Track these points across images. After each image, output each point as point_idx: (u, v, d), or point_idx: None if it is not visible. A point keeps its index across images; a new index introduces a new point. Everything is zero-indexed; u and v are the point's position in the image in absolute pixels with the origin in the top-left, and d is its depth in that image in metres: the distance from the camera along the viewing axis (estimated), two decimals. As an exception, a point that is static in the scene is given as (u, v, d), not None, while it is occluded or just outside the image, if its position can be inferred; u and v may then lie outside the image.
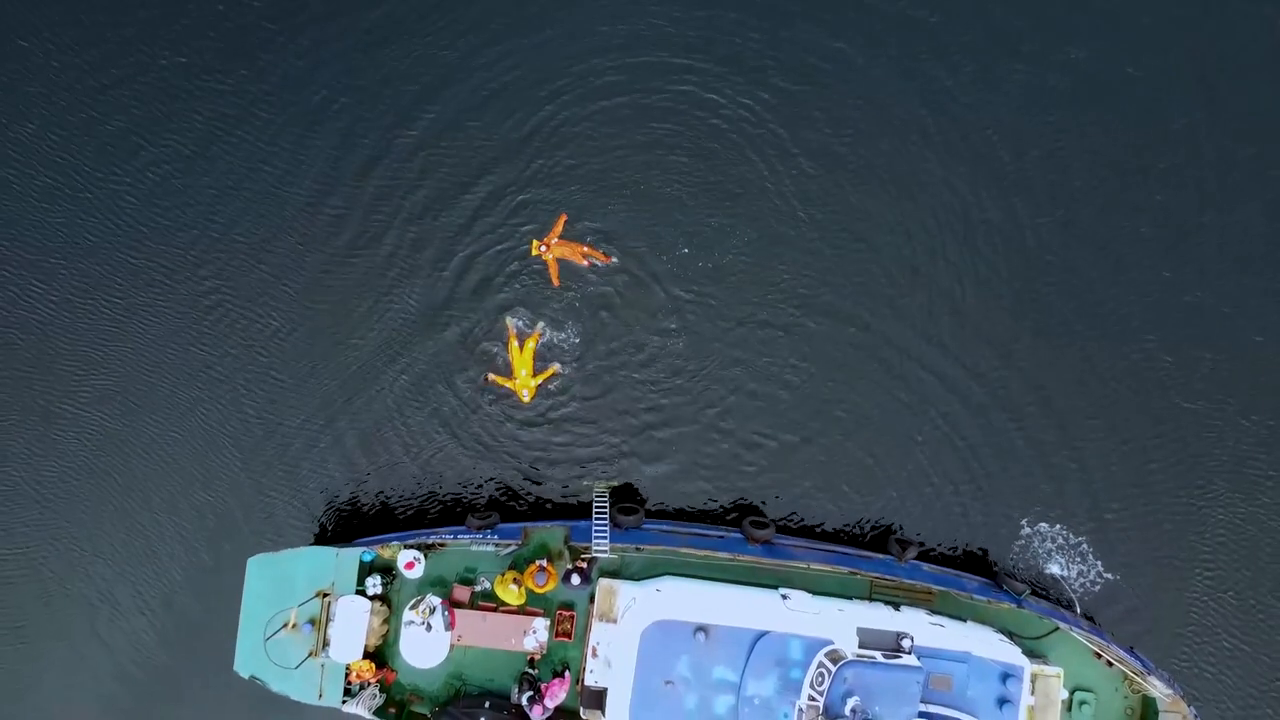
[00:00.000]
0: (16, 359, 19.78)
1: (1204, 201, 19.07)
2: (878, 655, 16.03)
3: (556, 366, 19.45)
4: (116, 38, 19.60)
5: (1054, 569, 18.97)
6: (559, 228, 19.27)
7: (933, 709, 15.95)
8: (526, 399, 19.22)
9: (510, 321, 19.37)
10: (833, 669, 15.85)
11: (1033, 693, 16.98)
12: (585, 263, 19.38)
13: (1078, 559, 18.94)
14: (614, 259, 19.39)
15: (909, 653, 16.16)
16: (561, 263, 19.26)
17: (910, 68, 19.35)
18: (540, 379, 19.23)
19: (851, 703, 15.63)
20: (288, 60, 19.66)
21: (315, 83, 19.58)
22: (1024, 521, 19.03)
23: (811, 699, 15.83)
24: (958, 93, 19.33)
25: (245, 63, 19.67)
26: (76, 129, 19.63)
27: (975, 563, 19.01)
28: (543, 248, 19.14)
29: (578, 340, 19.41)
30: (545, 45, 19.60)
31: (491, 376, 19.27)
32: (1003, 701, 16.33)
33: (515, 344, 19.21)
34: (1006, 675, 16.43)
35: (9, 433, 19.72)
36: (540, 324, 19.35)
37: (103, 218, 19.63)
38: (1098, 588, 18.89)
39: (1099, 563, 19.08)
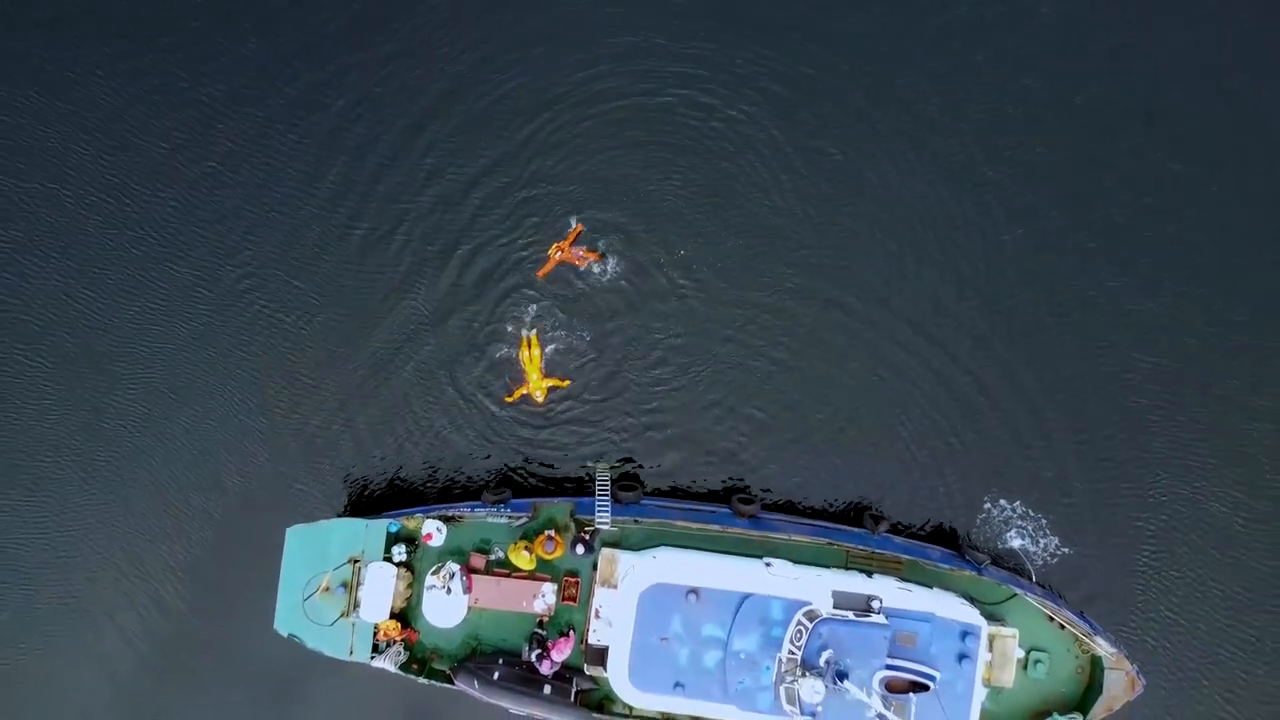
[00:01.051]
0: (67, 356, 21.67)
1: (1144, 216, 21.08)
2: (850, 614, 17.95)
3: (567, 381, 21.28)
4: (161, 69, 21.59)
5: (1014, 542, 20.89)
6: (573, 236, 21.17)
7: (899, 663, 17.88)
8: (540, 400, 21.11)
9: (524, 332, 21.25)
10: (809, 626, 17.80)
11: (990, 650, 18.94)
12: (581, 264, 21.22)
13: (1036, 534, 20.85)
14: (609, 260, 21.26)
15: (878, 613, 18.06)
16: (562, 264, 21.14)
17: (895, 74, 21.32)
18: (550, 382, 21.10)
19: (825, 655, 17.60)
20: (309, 82, 21.60)
21: (335, 97, 21.55)
22: (987, 499, 20.96)
23: (791, 652, 17.76)
24: (938, 103, 21.28)
25: (273, 87, 21.60)
26: (124, 152, 21.59)
27: (941, 535, 20.93)
28: (558, 253, 21.06)
29: (585, 336, 21.28)
30: (547, 56, 21.54)
31: (514, 391, 21.13)
32: (962, 657, 18.26)
33: (526, 350, 21.10)
34: (966, 634, 18.36)
35: (63, 423, 21.60)
36: (542, 323, 21.20)
37: (145, 230, 21.45)
38: (1053, 560, 20.79)
39: (1055, 538, 20.97)
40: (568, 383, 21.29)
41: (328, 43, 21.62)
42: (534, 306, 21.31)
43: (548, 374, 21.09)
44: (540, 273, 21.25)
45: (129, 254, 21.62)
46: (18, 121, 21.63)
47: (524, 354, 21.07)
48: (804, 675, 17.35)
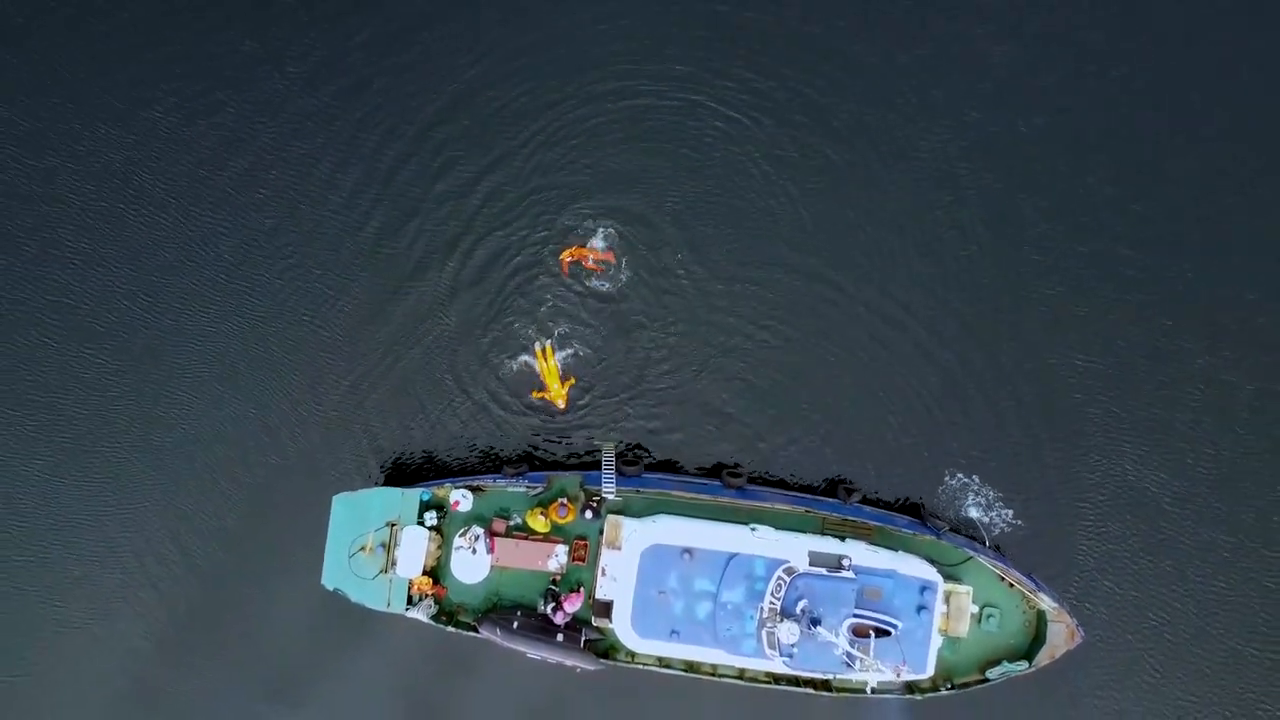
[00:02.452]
0: (132, 354, 24.50)
1: (1080, 231, 23.95)
2: (823, 571, 20.72)
3: (573, 379, 23.95)
4: (214, 98, 24.67)
5: (971, 513, 23.61)
6: (584, 251, 23.90)
7: (864, 613, 20.62)
8: (562, 406, 23.83)
9: (536, 345, 23.92)
10: (788, 581, 20.55)
11: (946, 604, 21.68)
12: (597, 266, 23.97)
13: (990, 506, 23.58)
14: (615, 262, 24.01)
15: (847, 570, 20.81)
16: (573, 265, 23.92)
17: (880, 80, 24.12)
18: (568, 385, 23.80)
19: (801, 605, 20.37)
20: (337, 88, 24.67)
21: (361, 100, 24.62)
22: (948, 475, 23.70)
23: (771, 603, 20.51)
24: (922, 108, 24.17)
25: (309, 98, 24.56)
26: (183, 176, 24.61)
27: (907, 506, 23.68)
28: (570, 259, 23.83)
29: (591, 335, 23.98)
30: (554, 62, 24.45)
31: (535, 394, 23.86)
32: (921, 609, 20.98)
33: (542, 361, 23.81)
34: (925, 589, 21.09)
35: (129, 413, 24.41)
36: (557, 333, 23.90)
37: (200, 248, 24.55)
38: (1006, 528, 23.50)
39: (1009, 510, 23.69)
40: (573, 380, 23.98)
41: (354, 52, 24.57)
42: (545, 309, 23.97)
43: (564, 379, 23.79)
44: (565, 267, 23.97)
45: (185, 263, 24.55)
46: (90, 149, 24.53)
47: (541, 365, 23.78)
48: (782, 621, 20.12)
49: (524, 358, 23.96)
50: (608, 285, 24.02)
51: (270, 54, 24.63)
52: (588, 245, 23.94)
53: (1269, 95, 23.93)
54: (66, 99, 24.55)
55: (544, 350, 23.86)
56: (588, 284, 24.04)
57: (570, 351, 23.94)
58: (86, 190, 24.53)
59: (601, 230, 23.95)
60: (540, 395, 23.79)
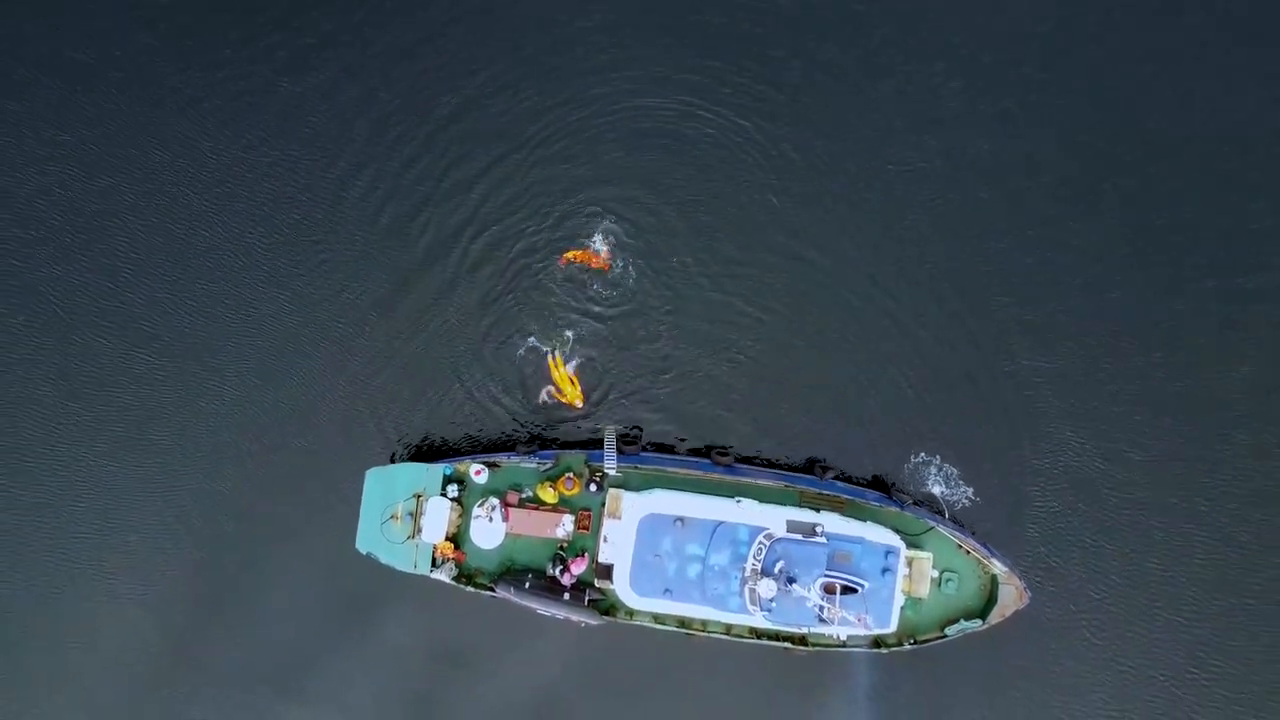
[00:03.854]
0: (184, 350, 27.41)
1: (1026, 243, 26.92)
2: (798, 537, 23.49)
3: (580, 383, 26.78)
4: (252, 118, 27.62)
5: (934, 489, 26.39)
6: (588, 254, 26.70)
7: (834, 573, 23.40)
8: (579, 405, 26.59)
9: (548, 356, 26.64)
10: (767, 545, 23.32)
11: (909, 568, 24.45)
12: (605, 265, 26.75)
13: (951, 483, 26.36)
14: (614, 264, 26.80)
15: (820, 536, 23.56)
16: (579, 266, 26.78)
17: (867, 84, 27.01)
18: (580, 387, 26.54)
19: (779, 565, 23.15)
20: (358, 104, 27.61)
21: (378, 111, 27.62)
22: (913, 454, 26.49)
23: (753, 564, 23.28)
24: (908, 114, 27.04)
25: (338, 118, 27.51)
26: (215, 186, 27.55)
27: (877, 482, 26.49)
28: (574, 259, 26.65)
29: (594, 335, 26.77)
30: (557, 71, 27.32)
31: (554, 395, 26.62)
32: (885, 571, 23.72)
33: (555, 370, 26.53)
34: (889, 553, 23.83)
35: (180, 405, 27.30)
36: (564, 340, 26.68)
37: (231, 244, 27.49)
38: (965, 503, 26.28)
39: (969, 488, 26.46)
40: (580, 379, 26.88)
41: (374, 63, 27.50)
42: (552, 306, 26.76)
43: (575, 381, 26.55)
44: (578, 260, 26.78)
45: (225, 266, 27.47)
46: (142, 170, 27.50)
47: (554, 373, 26.49)
48: (762, 579, 22.92)
49: (532, 341, 26.71)
50: (608, 284, 26.78)
51: (290, 65, 27.55)
52: (590, 247, 26.70)
53: (1197, 122, 26.76)
54: (120, 124, 27.55)
55: (554, 359, 26.57)
56: (591, 284, 26.80)
57: (576, 349, 26.64)
58: (136, 206, 27.39)
59: (602, 234, 26.72)
60: (558, 397, 26.54)
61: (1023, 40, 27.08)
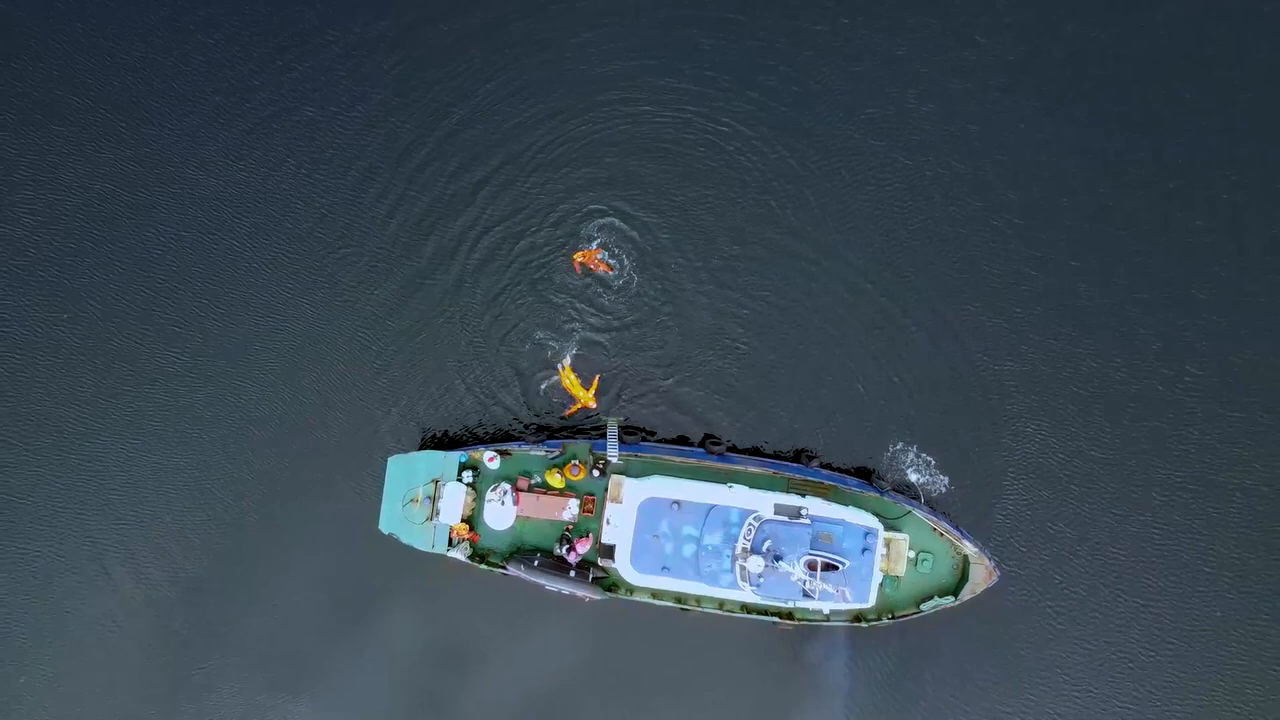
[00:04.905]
0: (232, 351, 29.69)
1: (997, 254, 29.19)
2: (785, 519, 25.64)
3: (596, 379, 28.90)
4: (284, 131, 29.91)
5: (911, 476, 28.55)
6: (594, 254, 28.84)
7: (818, 552, 25.54)
8: (594, 406, 28.70)
9: (558, 365, 28.79)
10: (756, 526, 25.47)
11: (886, 549, 26.59)
12: (606, 266, 28.90)
13: (927, 471, 28.52)
14: (615, 268, 28.94)
15: (805, 518, 25.72)
16: (584, 266, 28.94)
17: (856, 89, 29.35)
18: (593, 389, 28.65)
19: (766, 544, 25.31)
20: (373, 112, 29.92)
21: (397, 118, 29.94)
22: (892, 444, 28.65)
23: (743, 544, 25.44)
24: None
25: (357, 124, 29.78)
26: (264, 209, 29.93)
27: (859, 471, 28.65)
28: (581, 260, 28.80)
29: (600, 326, 28.96)
30: (559, 80, 29.58)
31: (571, 409, 28.76)
32: (865, 550, 25.86)
33: (566, 379, 28.61)
34: (868, 534, 25.98)
35: (212, 402, 29.56)
36: (572, 350, 28.86)
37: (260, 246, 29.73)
38: (940, 490, 28.45)
39: (945, 476, 28.62)
40: (596, 382, 28.95)
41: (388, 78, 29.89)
42: (561, 304, 28.96)
43: (586, 385, 28.67)
44: (577, 267, 28.88)
45: (254, 274, 29.88)
46: (183, 187, 29.85)
47: (565, 382, 28.60)
48: (751, 556, 25.09)
49: (540, 338, 28.88)
50: (611, 286, 28.94)
51: (308, 82, 29.93)
52: (594, 249, 28.83)
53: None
54: (159, 146, 30.00)
55: (564, 368, 28.68)
56: (595, 285, 28.96)
57: (582, 354, 28.73)
58: (171, 219, 29.76)
59: (607, 236, 28.88)
60: (575, 408, 28.66)
61: (987, 70, 29.31)
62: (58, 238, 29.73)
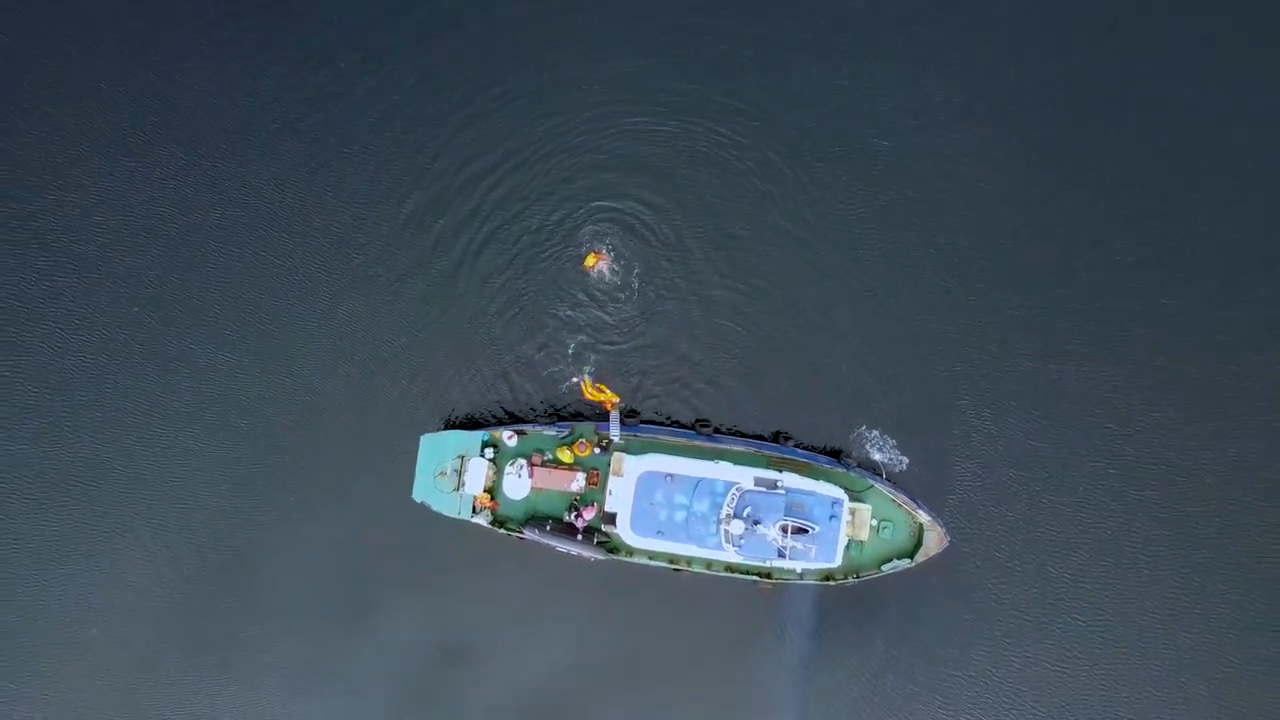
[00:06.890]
0: (274, 351, 33.64)
1: (953, 268, 33.23)
2: (763, 489, 29.77)
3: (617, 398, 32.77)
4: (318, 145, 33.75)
5: (875, 455, 32.64)
6: (598, 260, 32.83)
7: (791, 519, 29.66)
8: (614, 405, 32.47)
9: (576, 379, 32.66)
10: (738, 496, 29.60)
11: (851, 516, 30.70)
12: (606, 271, 32.96)
13: (889, 450, 32.60)
14: (619, 270, 32.97)
15: (780, 489, 29.85)
16: (595, 267, 32.94)
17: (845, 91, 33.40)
18: (611, 395, 32.48)
19: (746, 511, 29.45)
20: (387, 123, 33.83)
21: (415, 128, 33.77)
22: (858, 427, 32.72)
23: (727, 511, 29.57)
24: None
25: (372, 133, 33.75)
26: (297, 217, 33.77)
27: (829, 450, 32.75)
28: (594, 261, 32.79)
29: (609, 321, 33.02)
30: (561, 88, 33.53)
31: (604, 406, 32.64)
32: (831, 517, 29.97)
33: (586, 388, 32.42)
34: (835, 503, 30.09)
35: (259, 394, 33.53)
36: (589, 361, 32.80)
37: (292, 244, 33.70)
38: (900, 467, 32.53)
39: (905, 457, 32.69)
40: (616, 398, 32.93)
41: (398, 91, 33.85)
42: (571, 302, 32.98)
43: (605, 390, 32.55)
44: (589, 267, 32.78)
45: (294, 267, 33.75)
46: (234, 203, 33.81)
47: (588, 393, 32.40)
48: (733, 521, 29.24)
49: (554, 333, 32.91)
50: (619, 286, 32.96)
51: (329, 90, 33.84)
52: (603, 250, 32.79)
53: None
54: (211, 166, 33.86)
55: (584, 381, 32.53)
56: (599, 286, 33.01)
57: (598, 361, 32.69)
58: (220, 225, 33.63)
59: (610, 238, 32.88)
60: (607, 405, 32.27)
61: (971, 87, 33.38)
62: (123, 250, 33.63)
